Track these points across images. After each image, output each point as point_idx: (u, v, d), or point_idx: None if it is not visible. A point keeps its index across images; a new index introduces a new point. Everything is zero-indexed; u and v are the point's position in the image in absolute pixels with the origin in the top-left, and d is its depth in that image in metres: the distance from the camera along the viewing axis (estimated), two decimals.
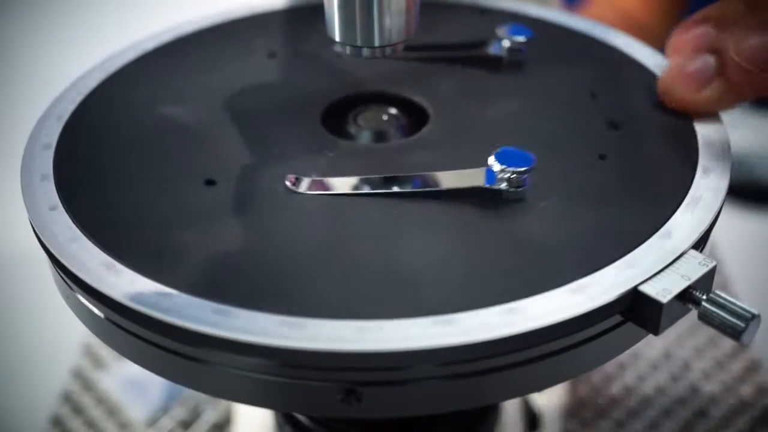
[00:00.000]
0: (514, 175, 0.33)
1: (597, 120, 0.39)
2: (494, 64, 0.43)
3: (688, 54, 0.37)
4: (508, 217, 0.33)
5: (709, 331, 0.70)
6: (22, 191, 0.35)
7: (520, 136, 0.38)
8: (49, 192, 0.35)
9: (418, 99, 0.41)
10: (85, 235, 0.32)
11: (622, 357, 0.68)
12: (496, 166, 0.33)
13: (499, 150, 0.34)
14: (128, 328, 0.30)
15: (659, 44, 0.47)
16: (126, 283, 0.30)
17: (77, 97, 0.41)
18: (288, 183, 0.35)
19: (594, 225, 0.33)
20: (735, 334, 0.29)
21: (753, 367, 0.67)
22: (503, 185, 0.34)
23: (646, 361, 0.68)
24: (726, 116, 0.39)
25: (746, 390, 0.65)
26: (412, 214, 0.34)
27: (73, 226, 0.33)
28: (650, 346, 0.69)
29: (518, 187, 0.34)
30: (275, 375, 0.29)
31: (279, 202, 0.34)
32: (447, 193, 0.34)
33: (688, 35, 0.38)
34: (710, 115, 0.38)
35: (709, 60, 0.36)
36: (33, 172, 0.36)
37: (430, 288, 0.30)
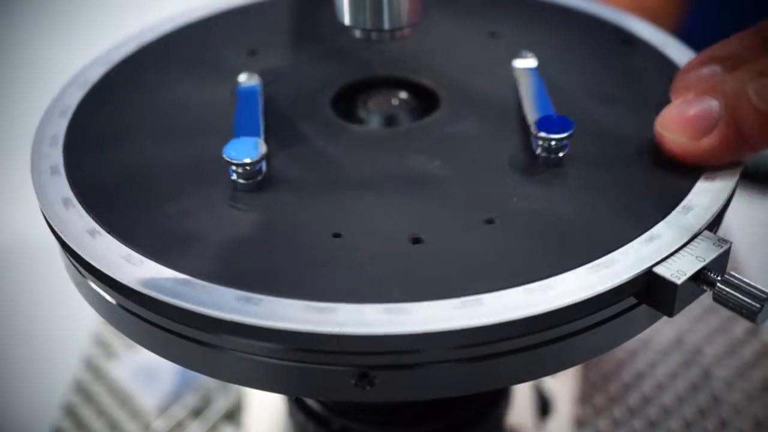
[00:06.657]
0: (554, 143, 0.34)
1: (615, 103, 0.39)
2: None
3: (690, 96, 0.34)
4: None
5: (720, 316, 0.70)
6: (33, 182, 0.35)
7: None
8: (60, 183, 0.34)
9: (428, 82, 0.41)
10: (102, 228, 0.32)
11: (634, 343, 0.67)
12: (539, 133, 0.34)
13: (539, 117, 0.35)
14: (144, 316, 0.30)
15: (666, 25, 0.46)
16: (143, 270, 0.30)
17: (82, 88, 0.41)
18: None
19: (607, 207, 0.33)
20: (750, 314, 0.29)
21: (765, 352, 0.67)
22: (543, 152, 0.35)
23: (658, 347, 0.68)
24: None
25: (758, 374, 0.65)
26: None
27: (86, 215, 0.33)
28: (661, 332, 0.68)
29: (558, 152, 0.35)
30: (291, 360, 0.29)
31: (292, 187, 0.34)
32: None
33: (693, 75, 0.34)
34: (706, 167, 0.34)
35: (713, 105, 0.33)
36: (42, 164, 0.36)
37: (453, 269, 0.30)
